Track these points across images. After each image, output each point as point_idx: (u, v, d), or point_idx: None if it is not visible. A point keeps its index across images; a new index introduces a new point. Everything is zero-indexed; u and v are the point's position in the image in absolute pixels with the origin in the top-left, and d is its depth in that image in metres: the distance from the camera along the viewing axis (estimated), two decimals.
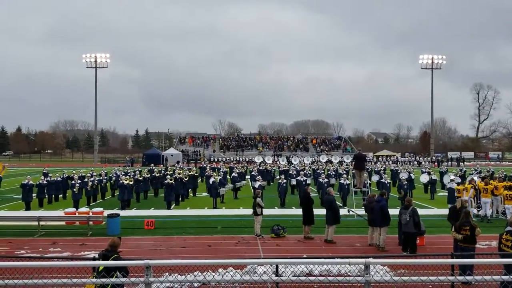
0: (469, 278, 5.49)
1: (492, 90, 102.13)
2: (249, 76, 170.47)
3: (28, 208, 21.67)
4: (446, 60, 76.91)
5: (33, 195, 22.58)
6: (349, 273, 6.87)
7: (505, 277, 5.30)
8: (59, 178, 25.64)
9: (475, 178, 21.63)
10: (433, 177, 27.23)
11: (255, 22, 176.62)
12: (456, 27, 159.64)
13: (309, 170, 33.73)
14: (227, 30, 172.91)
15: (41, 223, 16.04)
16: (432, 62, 74.91)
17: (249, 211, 16.82)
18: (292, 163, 48.97)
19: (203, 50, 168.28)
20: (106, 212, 16.89)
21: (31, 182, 22.32)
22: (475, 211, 18.79)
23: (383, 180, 25.36)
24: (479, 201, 19.19)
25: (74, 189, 21.89)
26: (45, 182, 23.64)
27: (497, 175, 25.87)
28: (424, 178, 28.40)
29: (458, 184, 20.77)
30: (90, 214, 16.81)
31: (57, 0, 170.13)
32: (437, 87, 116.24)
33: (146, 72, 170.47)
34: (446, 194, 22.33)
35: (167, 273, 8.60)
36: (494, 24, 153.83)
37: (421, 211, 13.88)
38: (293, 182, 27.57)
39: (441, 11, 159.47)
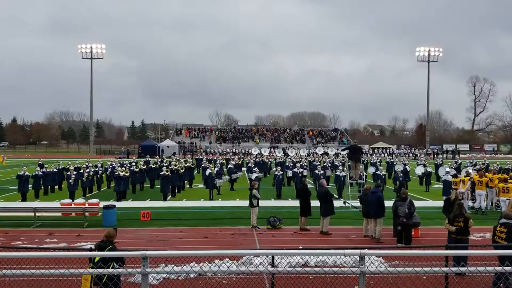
0: (463, 269, 5.55)
1: (488, 83, 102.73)
2: (247, 67, 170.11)
3: (24, 199, 21.64)
4: (444, 52, 77.12)
5: (29, 186, 22.56)
6: (344, 264, 6.93)
7: (499, 268, 5.36)
8: (54, 169, 25.57)
9: (470, 171, 21.75)
10: (429, 169, 27.35)
11: (255, 14, 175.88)
12: (454, 20, 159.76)
13: (305, 162, 33.79)
14: (227, 21, 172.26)
15: (37, 214, 16.03)
16: (429, 54, 74.92)
17: (246, 203, 16.87)
18: (289, 155, 49.05)
19: (202, 41, 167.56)
20: (102, 204, 16.89)
21: (27, 173, 22.27)
22: (470, 203, 18.92)
23: (378, 172, 25.46)
24: (473, 193, 19.33)
25: (70, 180, 21.82)
26: (40, 173, 23.60)
27: (492, 168, 26.02)
28: (419, 170, 28.52)
29: (453, 176, 20.89)
30: (86, 205, 16.80)
31: None
32: (433, 80, 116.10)
33: (143, 63, 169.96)
34: (441, 186, 22.45)
35: (163, 264, 8.65)
36: (492, 17, 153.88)
37: (416, 203, 13.97)
38: (290, 174, 27.64)
39: (440, 3, 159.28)
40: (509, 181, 18.20)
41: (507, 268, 5.12)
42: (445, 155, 66.29)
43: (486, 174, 19.98)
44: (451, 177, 20.62)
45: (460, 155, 62.70)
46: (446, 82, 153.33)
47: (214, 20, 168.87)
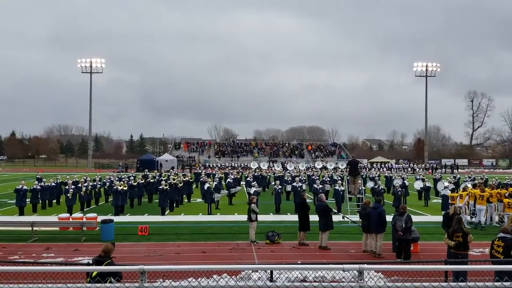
0: (462, 284, 5.53)
1: (486, 97, 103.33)
2: (246, 81, 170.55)
3: (21, 213, 21.54)
4: (441, 67, 77.59)
5: (27, 200, 22.45)
6: (343, 279, 6.90)
7: (498, 284, 5.35)
8: (53, 183, 25.50)
9: (469, 185, 21.75)
10: (427, 184, 27.33)
11: (255, 28, 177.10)
12: (452, 35, 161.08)
13: (304, 176, 33.77)
14: (227, 36, 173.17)
15: (34, 228, 15.95)
16: (426, 69, 75.43)
17: (244, 217, 16.82)
18: (287, 169, 49.04)
19: (201, 55, 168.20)
20: (100, 218, 16.83)
21: (25, 187, 22.19)
22: (468, 218, 18.87)
23: (377, 187, 25.45)
24: (473, 208, 19.27)
25: (68, 195, 21.77)
26: (38, 187, 23.52)
27: (491, 182, 26.01)
28: (418, 185, 28.50)
29: (451, 191, 20.87)
30: (84, 219, 16.74)
31: (54, 4, 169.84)
32: (431, 95, 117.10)
33: (142, 77, 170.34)
34: (440, 201, 22.43)
35: (161, 279, 8.60)
36: (490, 32, 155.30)
37: (415, 218, 13.98)
38: (288, 188, 27.59)
39: (438, 19, 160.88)
40: None
41: (506, 284, 5.11)
42: (443, 169, 66.32)
43: (486, 189, 19.96)
44: (450, 191, 20.60)
45: (459, 170, 62.73)
46: (444, 97, 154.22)
47: (214, 34, 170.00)
